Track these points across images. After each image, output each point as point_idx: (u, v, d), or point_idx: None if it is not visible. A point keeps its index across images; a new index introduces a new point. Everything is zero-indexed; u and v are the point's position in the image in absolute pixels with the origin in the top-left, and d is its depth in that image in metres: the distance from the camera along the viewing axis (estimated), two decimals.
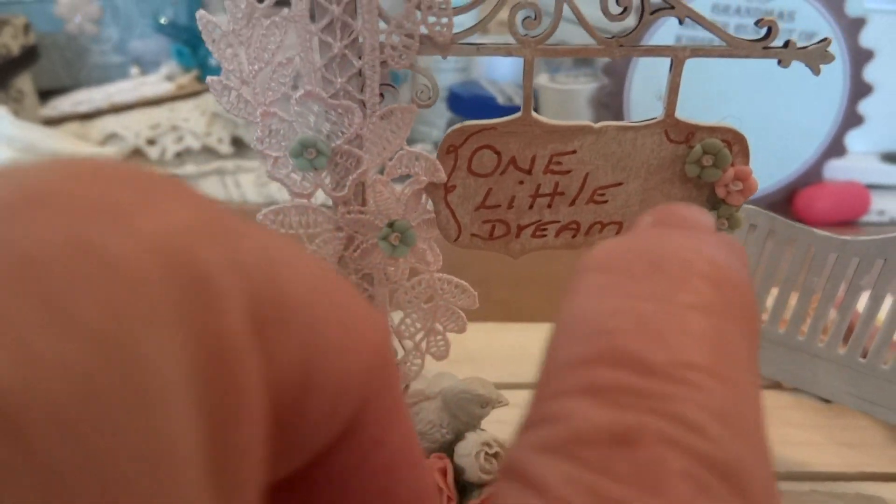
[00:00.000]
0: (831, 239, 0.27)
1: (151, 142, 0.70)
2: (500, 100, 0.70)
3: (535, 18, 0.20)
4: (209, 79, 0.21)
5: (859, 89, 0.58)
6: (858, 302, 0.28)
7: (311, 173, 0.22)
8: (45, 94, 0.82)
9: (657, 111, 0.22)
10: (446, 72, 0.75)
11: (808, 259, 0.28)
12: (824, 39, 0.20)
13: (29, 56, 0.78)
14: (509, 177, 0.22)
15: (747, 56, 0.20)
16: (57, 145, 0.63)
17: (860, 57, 0.57)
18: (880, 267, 0.26)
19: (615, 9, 0.20)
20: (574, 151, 0.22)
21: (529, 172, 0.22)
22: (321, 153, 0.21)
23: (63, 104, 0.76)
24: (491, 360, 0.38)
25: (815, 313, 0.28)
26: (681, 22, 0.20)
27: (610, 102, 0.61)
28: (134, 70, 0.92)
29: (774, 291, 0.30)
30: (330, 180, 0.23)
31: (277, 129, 0.22)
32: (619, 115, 0.62)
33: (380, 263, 0.24)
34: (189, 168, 0.70)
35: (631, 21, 0.20)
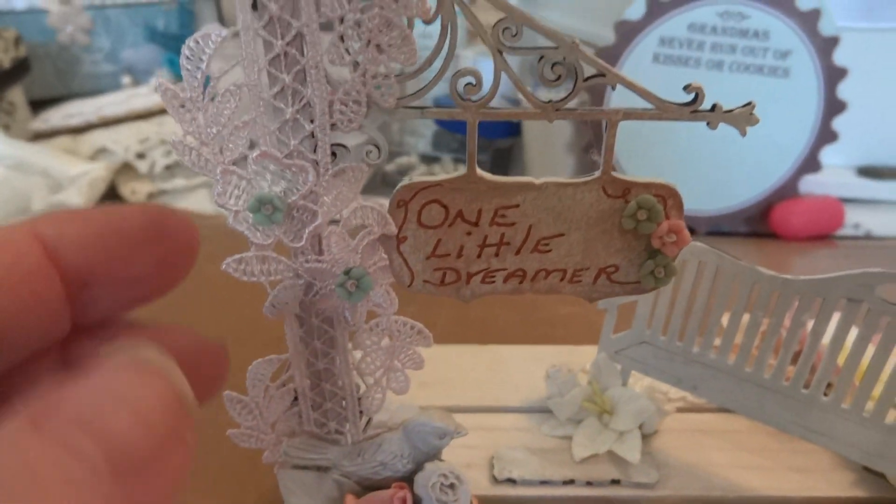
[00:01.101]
0: (774, 278, 0.28)
1: (141, 156, 0.71)
2: None
3: (476, 84, 0.21)
4: (171, 141, 0.22)
5: (833, 106, 0.60)
6: (801, 336, 0.29)
7: (270, 227, 0.23)
8: (38, 104, 0.83)
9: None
10: None
11: (753, 295, 0.29)
12: (749, 103, 0.21)
13: (20, 69, 0.79)
14: (457, 228, 0.24)
15: (677, 119, 0.22)
16: (47, 161, 0.64)
17: (834, 75, 0.59)
18: (819, 304, 0.28)
19: (550, 75, 0.21)
20: (517, 206, 0.23)
21: (476, 224, 0.23)
22: (277, 209, 0.23)
23: (54, 117, 0.77)
24: (461, 384, 0.39)
25: (761, 346, 0.30)
26: (613, 88, 0.21)
27: None
28: (126, 79, 0.93)
29: (725, 323, 0.31)
30: (288, 232, 0.24)
31: (237, 185, 0.23)
32: (598, 129, 0.63)
33: (338, 308, 0.25)
34: (178, 181, 0.72)
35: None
